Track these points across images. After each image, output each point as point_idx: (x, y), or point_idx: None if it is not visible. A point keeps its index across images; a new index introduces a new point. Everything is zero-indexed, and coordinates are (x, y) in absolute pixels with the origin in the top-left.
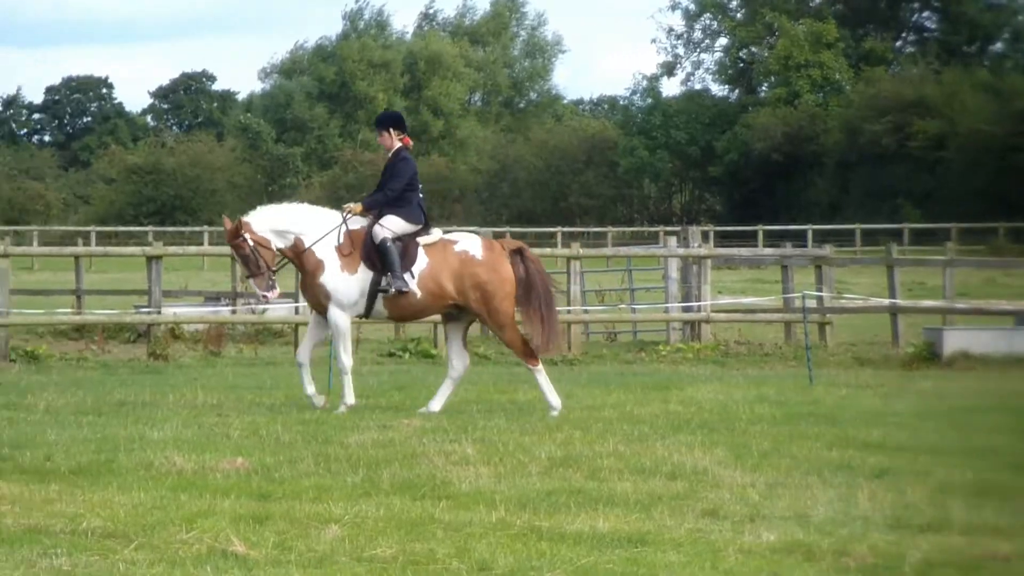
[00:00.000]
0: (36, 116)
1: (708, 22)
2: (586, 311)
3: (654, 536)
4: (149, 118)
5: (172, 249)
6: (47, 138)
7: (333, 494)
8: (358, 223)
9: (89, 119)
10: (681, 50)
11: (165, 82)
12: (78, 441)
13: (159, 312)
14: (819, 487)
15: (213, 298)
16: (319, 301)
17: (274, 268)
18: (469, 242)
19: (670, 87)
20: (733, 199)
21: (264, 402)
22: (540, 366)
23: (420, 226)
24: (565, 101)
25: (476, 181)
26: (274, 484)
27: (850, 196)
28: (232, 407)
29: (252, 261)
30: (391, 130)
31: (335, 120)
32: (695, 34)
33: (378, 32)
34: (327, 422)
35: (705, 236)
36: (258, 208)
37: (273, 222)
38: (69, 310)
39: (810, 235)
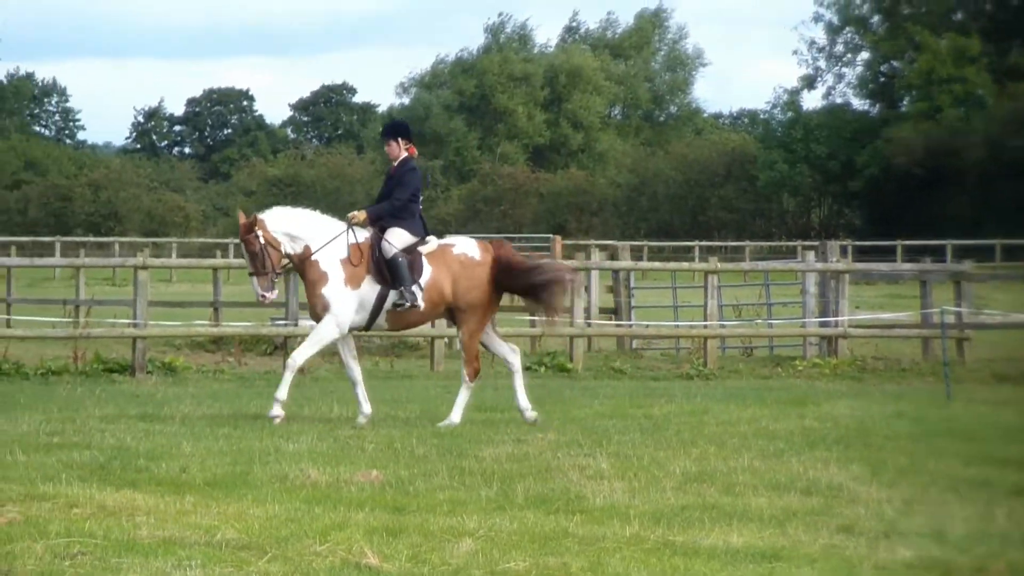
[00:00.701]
0: (177, 128)
1: (850, 36)
2: (723, 325)
3: (788, 552)
4: (289, 130)
5: None
6: (187, 150)
7: (467, 507)
8: (363, 235)
9: (230, 131)
10: (823, 63)
11: (306, 95)
12: (213, 453)
13: (296, 324)
14: (956, 504)
15: None
16: (317, 311)
17: (279, 270)
18: (466, 244)
19: (811, 100)
20: (872, 214)
21: (399, 415)
22: (472, 384)
23: (421, 237)
24: (705, 114)
25: (615, 194)
26: (408, 497)
27: (991, 212)
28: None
29: (259, 259)
30: (398, 139)
31: (474, 133)
32: (837, 47)
33: (520, 45)
34: (462, 435)
35: (843, 251)
36: (274, 208)
37: (287, 225)
38: (206, 322)
39: (949, 250)
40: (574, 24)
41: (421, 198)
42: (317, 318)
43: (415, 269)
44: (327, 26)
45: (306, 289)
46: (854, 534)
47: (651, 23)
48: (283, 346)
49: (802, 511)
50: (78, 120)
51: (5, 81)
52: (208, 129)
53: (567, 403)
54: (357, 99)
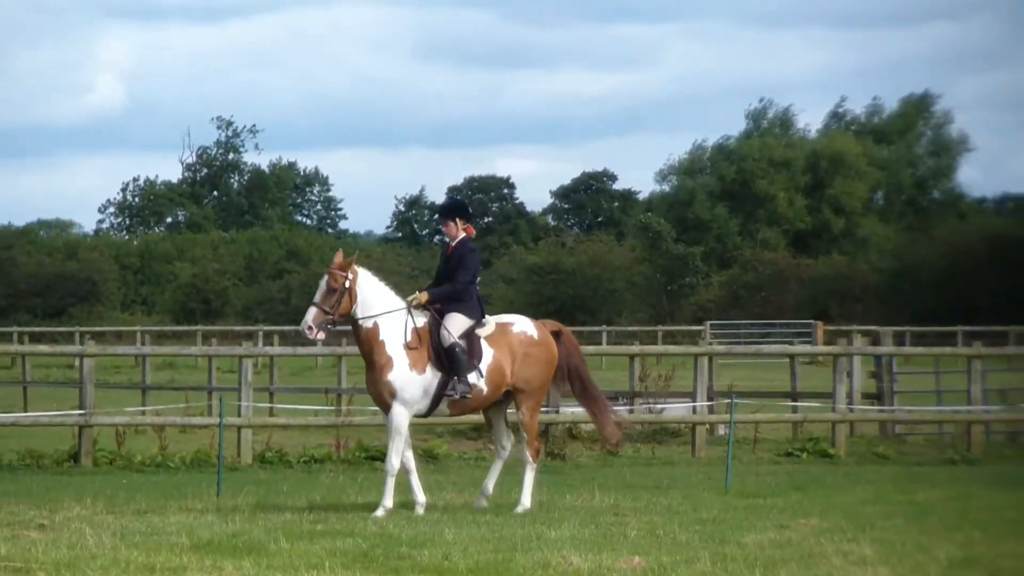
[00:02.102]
0: (438, 217)
1: None
2: (987, 410)
3: None
4: (550, 218)
5: None
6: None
7: None
8: (421, 319)
9: (491, 219)
10: None
11: (566, 182)
12: (476, 540)
13: (557, 412)
14: None
15: (611, 397)
16: (384, 398)
17: (337, 320)
18: (524, 323)
19: None
20: None
21: (661, 502)
22: (536, 464)
23: (478, 320)
24: (968, 199)
25: (877, 280)
26: None
27: None
28: (629, 507)
29: (333, 299)
30: (456, 220)
31: (735, 219)
32: None
33: (782, 131)
34: (724, 521)
35: None
36: (367, 271)
37: (370, 291)
38: None
39: None
40: (840, 110)
41: (479, 279)
42: (382, 402)
43: (475, 354)
44: (594, 115)
45: (372, 372)
46: None
47: (915, 108)
48: (544, 433)
49: None
50: (340, 209)
51: (267, 171)
52: None
53: (829, 488)
54: (618, 186)
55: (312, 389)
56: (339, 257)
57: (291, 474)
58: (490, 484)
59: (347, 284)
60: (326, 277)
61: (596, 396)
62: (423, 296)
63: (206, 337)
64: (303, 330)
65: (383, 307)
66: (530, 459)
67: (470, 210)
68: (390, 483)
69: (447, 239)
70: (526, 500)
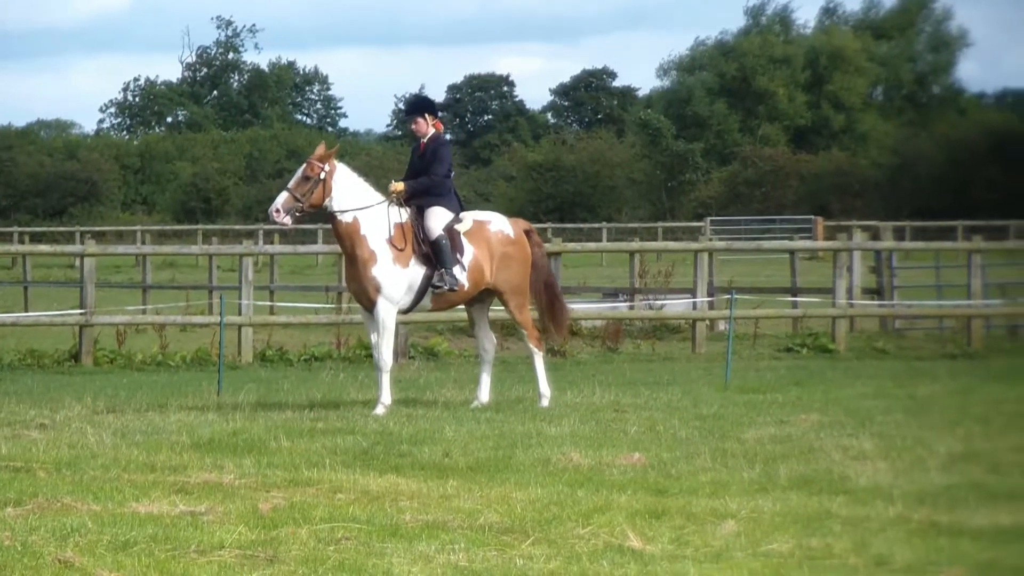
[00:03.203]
0: (439, 115)
1: None
2: (987, 304)
3: None
4: (550, 115)
5: (571, 246)
6: (448, 136)
7: (730, 489)
8: (403, 214)
9: (490, 117)
10: None
11: (566, 80)
12: (476, 437)
13: None
14: None
15: (611, 294)
16: (368, 294)
17: (308, 209)
18: (501, 221)
19: None
20: None
21: (661, 398)
22: (542, 351)
23: (457, 214)
24: (967, 95)
25: (877, 175)
26: (670, 480)
27: None
28: (629, 403)
29: (307, 188)
30: (425, 116)
31: (734, 115)
32: None
33: (781, 28)
34: (724, 417)
35: None
36: (346, 166)
37: (350, 187)
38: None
39: None
40: (831, 5)
41: (453, 173)
42: (367, 298)
43: (456, 248)
44: (595, 11)
45: (353, 267)
46: None
47: (915, 5)
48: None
49: None
50: (340, 108)
51: (267, 70)
52: (469, 115)
53: (829, 384)
54: (618, 83)
55: (312, 287)
56: (320, 149)
57: (291, 372)
58: (484, 391)
59: (322, 176)
60: (303, 166)
61: (559, 301)
62: (399, 186)
63: (206, 236)
64: (271, 213)
65: (361, 202)
66: (535, 349)
67: (436, 105)
68: (385, 379)
69: (419, 136)
70: (544, 387)
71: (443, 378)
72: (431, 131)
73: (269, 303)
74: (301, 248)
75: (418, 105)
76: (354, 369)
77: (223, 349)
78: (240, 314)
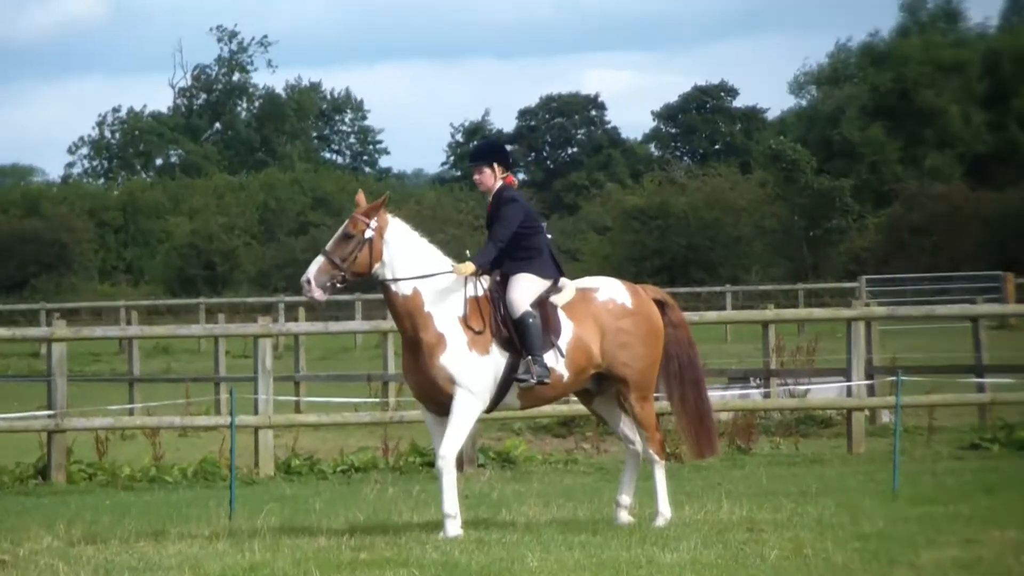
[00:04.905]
0: (511, 164)
1: None
2: None
3: None
4: (652, 147)
5: (687, 315)
6: (521, 176)
7: None
8: (481, 286)
9: (575, 150)
10: None
11: (672, 99)
12: (568, 568)
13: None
14: None
15: (739, 378)
16: (436, 388)
17: (350, 278)
18: (612, 288)
19: None
20: None
21: (808, 513)
22: (663, 460)
23: (554, 281)
24: None
25: None
26: None
27: None
28: (767, 520)
29: (348, 249)
30: (494, 166)
31: (893, 142)
32: None
33: (948, 25)
34: (893, 537)
35: None
36: (401, 222)
37: (409, 248)
38: None
39: None
40: None
41: (544, 226)
42: (434, 396)
43: (550, 327)
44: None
45: (415, 355)
46: None
47: None
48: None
49: None
50: (380, 142)
51: (284, 94)
52: (547, 148)
53: None
54: (739, 103)
55: (350, 376)
56: (360, 197)
57: (325, 487)
58: (627, 493)
59: (369, 234)
60: (346, 222)
61: (705, 405)
62: (468, 267)
63: (210, 312)
64: (302, 284)
65: (423, 268)
66: (655, 456)
67: (509, 153)
68: (446, 483)
69: (482, 191)
70: (663, 507)
71: (523, 491)
72: (497, 185)
73: (294, 398)
74: (334, 326)
75: (482, 152)
76: (406, 482)
77: (235, 459)
78: (256, 413)
